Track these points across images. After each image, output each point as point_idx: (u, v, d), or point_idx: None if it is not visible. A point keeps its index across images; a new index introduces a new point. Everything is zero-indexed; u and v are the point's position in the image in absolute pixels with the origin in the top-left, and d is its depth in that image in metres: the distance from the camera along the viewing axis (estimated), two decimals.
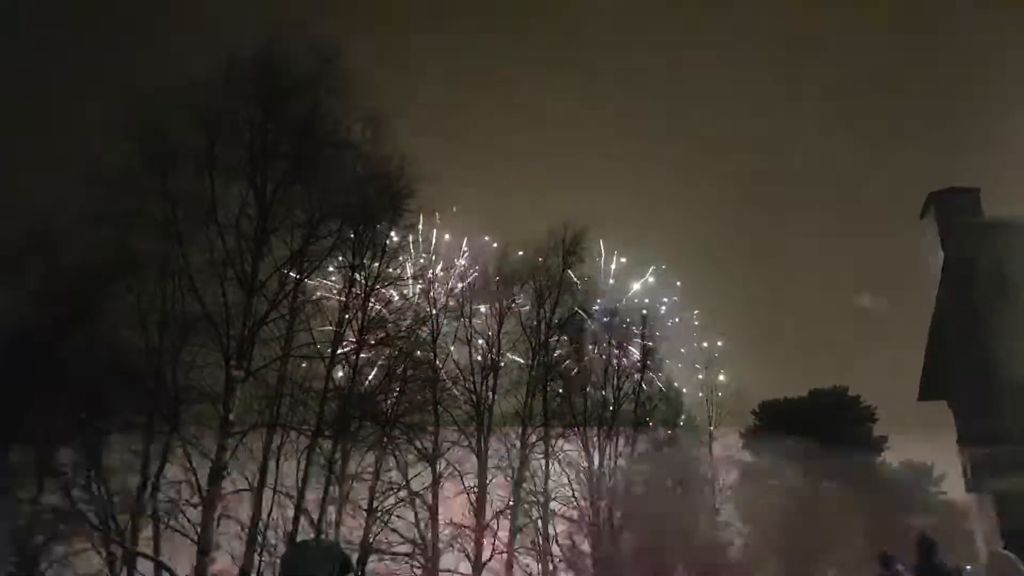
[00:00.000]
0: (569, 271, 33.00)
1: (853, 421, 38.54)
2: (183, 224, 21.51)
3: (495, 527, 29.88)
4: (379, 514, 26.74)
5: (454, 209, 31.49)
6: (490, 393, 30.69)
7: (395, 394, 26.91)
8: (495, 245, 32.64)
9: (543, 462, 32.10)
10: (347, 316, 25.23)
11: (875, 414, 39.46)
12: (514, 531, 30.23)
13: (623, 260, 35.60)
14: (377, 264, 26.04)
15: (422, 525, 27.89)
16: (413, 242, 29.35)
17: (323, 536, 22.32)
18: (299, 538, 22.22)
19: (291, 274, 22.90)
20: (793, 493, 33.52)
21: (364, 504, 26.13)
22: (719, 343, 37.14)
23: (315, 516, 23.46)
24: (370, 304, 26.02)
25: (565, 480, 32.86)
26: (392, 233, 26.45)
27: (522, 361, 32.13)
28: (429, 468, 28.22)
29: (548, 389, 32.44)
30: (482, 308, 31.59)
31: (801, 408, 38.79)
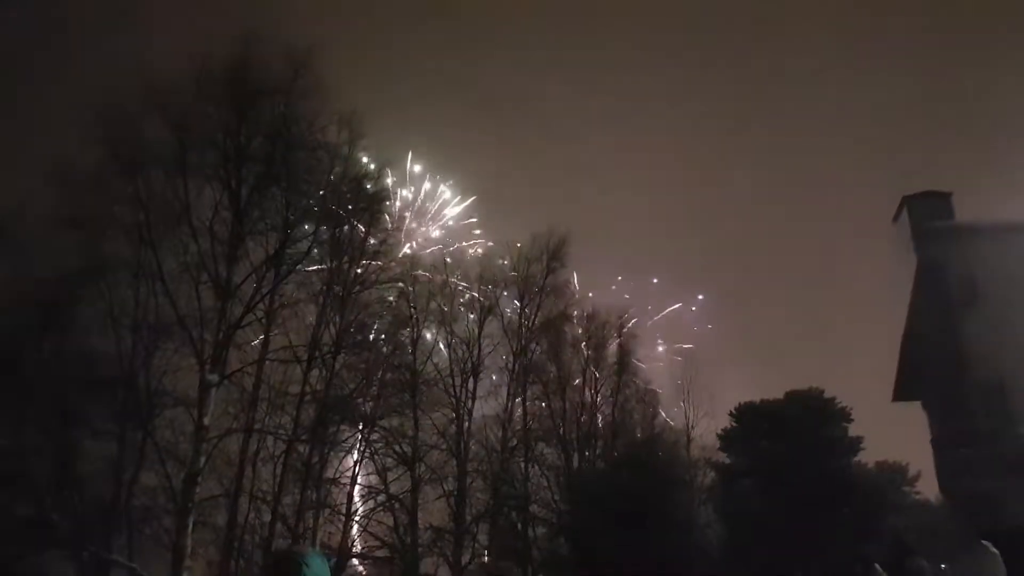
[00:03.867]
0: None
1: (829, 422, 38.79)
2: (155, 227, 21.24)
3: (475, 531, 29.80)
4: (357, 519, 26.57)
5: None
6: (470, 396, 30.65)
7: (373, 397, 26.74)
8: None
9: (523, 465, 32.07)
10: (324, 319, 25.03)
11: (850, 415, 39.76)
12: (494, 535, 30.16)
13: None
14: (355, 267, 25.89)
15: (401, 529, 27.74)
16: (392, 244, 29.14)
17: (303, 543, 22.16)
18: (275, 544, 22.03)
19: (267, 277, 22.68)
20: (769, 494, 33.73)
21: (342, 509, 25.95)
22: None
23: (292, 521, 23.25)
24: (348, 307, 25.83)
25: (545, 483, 32.88)
26: (369, 235, 26.28)
27: (502, 364, 32.15)
28: (408, 472, 28.08)
29: (528, 392, 32.47)
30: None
31: (777, 410, 38.99)
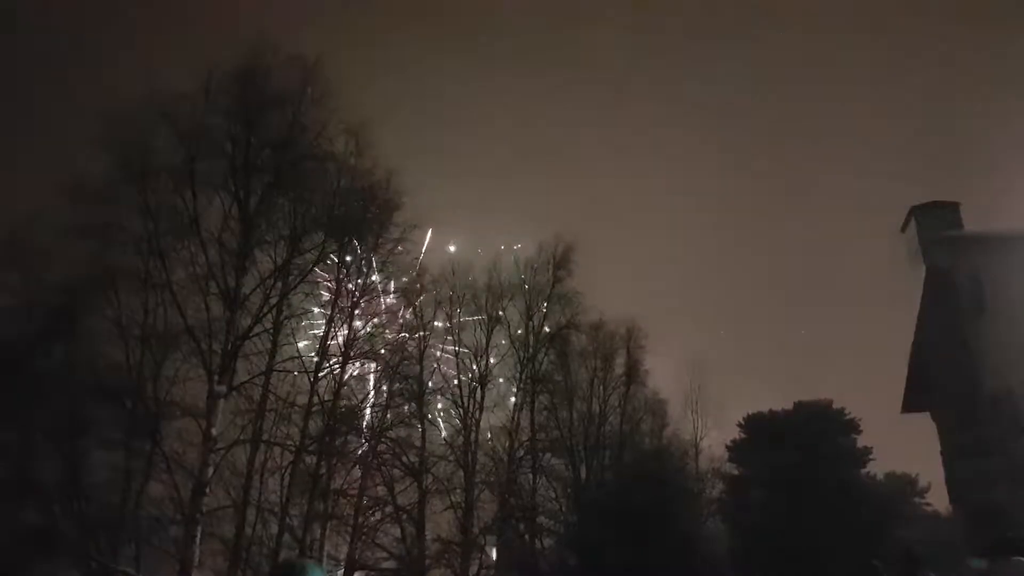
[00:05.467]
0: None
1: (838, 433, 38.59)
2: (164, 238, 21.35)
3: (482, 543, 29.69)
4: (365, 530, 26.49)
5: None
6: (477, 407, 30.57)
7: (381, 408, 26.75)
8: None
9: (530, 476, 31.98)
10: (332, 330, 25.08)
11: (859, 426, 39.57)
12: (501, 546, 30.05)
13: None
14: (363, 277, 25.95)
15: (408, 541, 27.66)
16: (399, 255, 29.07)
17: (309, 555, 22.12)
18: (283, 556, 21.99)
19: (275, 288, 22.75)
20: (778, 505, 33.54)
21: (349, 520, 25.89)
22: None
23: (299, 533, 23.21)
24: (355, 318, 25.89)
25: (552, 494, 32.77)
26: (378, 246, 26.32)
27: (510, 374, 32.10)
28: (415, 483, 28.02)
29: (535, 402, 32.39)
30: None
31: (786, 420, 38.83)
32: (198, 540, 19.59)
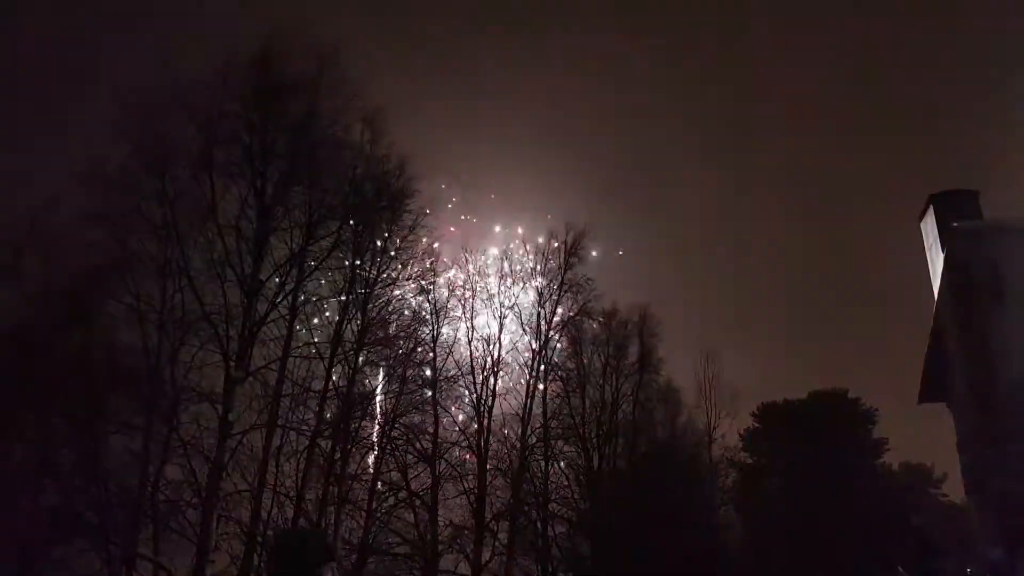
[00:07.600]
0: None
1: (853, 423, 38.47)
2: (182, 225, 21.49)
3: (495, 528, 29.83)
4: (379, 515, 26.66)
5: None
6: (490, 394, 30.63)
7: (394, 394, 26.85)
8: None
9: (543, 463, 32.06)
10: (347, 316, 25.19)
11: (875, 416, 39.42)
12: (514, 533, 30.17)
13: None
14: (377, 264, 26.01)
15: (421, 526, 27.83)
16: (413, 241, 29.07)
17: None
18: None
19: (291, 274, 22.87)
20: (792, 495, 33.49)
21: (363, 505, 26.06)
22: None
23: (315, 517, 23.40)
24: (370, 304, 25.96)
25: (565, 481, 32.85)
26: (391, 233, 26.36)
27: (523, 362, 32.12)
28: (429, 469, 28.16)
29: (548, 390, 32.44)
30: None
31: (801, 410, 38.73)
32: (215, 524, 19.79)
